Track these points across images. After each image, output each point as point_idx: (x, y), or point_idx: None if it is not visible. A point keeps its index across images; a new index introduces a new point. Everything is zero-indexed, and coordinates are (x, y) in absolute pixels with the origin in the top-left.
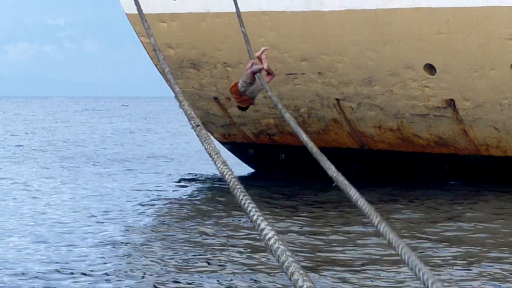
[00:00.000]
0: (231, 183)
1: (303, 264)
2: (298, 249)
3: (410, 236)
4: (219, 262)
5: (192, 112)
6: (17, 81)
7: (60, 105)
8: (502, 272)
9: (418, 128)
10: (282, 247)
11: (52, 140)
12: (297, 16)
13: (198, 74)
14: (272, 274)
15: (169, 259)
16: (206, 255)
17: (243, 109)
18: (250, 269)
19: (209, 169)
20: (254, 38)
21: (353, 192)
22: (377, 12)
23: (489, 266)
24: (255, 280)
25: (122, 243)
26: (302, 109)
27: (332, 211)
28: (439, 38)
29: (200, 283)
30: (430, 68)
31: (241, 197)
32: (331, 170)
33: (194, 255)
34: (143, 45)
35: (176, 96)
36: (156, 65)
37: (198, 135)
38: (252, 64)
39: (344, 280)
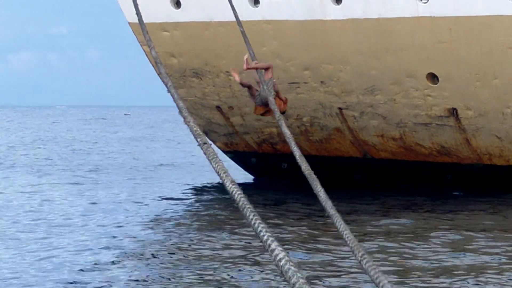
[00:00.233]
0: (241, 203)
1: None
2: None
3: (412, 245)
4: (230, 276)
5: (198, 129)
6: (20, 90)
7: (64, 114)
8: (508, 282)
9: (420, 137)
10: (293, 268)
11: (58, 150)
12: (299, 25)
13: (201, 83)
14: None
15: (182, 269)
16: (219, 267)
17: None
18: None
19: (217, 178)
20: (256, 47)
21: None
22: (380, 21)
23: (493, 275)
24: None
25: (134, 254)
26: (305, 118)
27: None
28: (441, 47)
29: None
30: (433, 77)
31: (251, 216)
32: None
33: (205, 267)
34: (146, 54)
35: (180, 112)
36: (159, 75)
37: (205, 153)
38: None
39: None
